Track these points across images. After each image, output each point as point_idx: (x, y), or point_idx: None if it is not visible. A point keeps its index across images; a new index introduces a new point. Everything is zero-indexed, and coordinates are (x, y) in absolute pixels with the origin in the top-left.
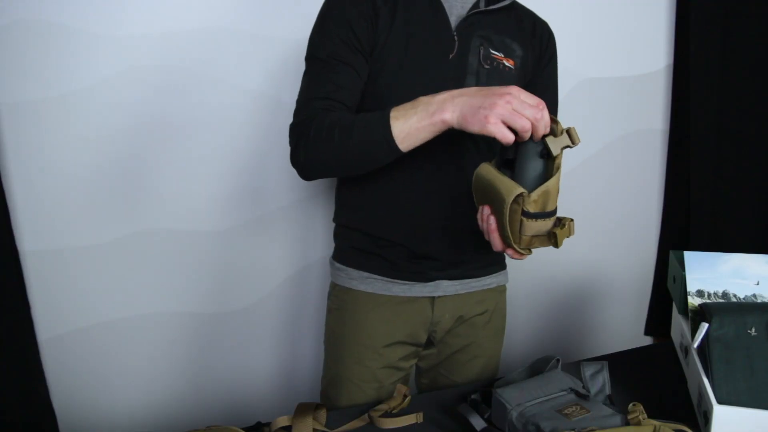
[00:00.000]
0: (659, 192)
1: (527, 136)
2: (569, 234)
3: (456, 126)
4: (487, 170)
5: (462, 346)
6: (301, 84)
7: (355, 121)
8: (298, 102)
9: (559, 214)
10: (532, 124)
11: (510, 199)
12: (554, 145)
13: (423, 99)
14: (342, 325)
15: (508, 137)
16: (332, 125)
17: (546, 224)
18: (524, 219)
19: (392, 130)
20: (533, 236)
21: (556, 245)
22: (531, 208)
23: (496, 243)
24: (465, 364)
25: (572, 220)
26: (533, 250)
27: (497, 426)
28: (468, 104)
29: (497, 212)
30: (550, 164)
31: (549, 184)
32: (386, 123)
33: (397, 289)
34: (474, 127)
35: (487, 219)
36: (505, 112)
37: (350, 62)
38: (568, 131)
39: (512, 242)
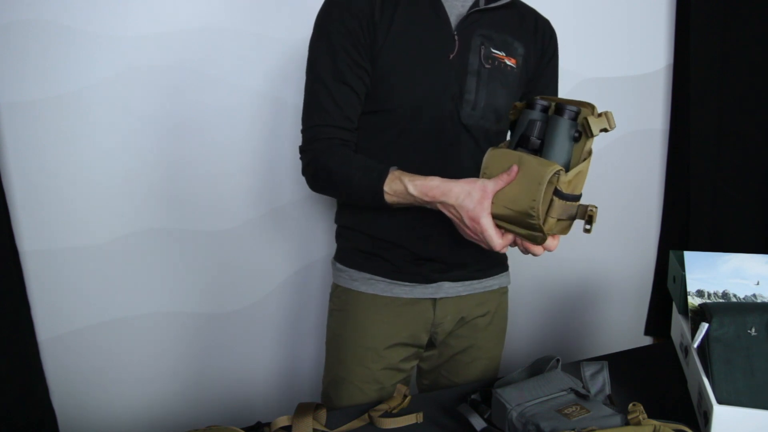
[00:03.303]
0: (659, 192)
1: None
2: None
3: None
4: (505, 151)
5: (463, 347)
6: (303, 96)
7: (353, 184)
8: (303, 122)
9: None
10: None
11: (548, 175)
12: (595, 125)
13: (413, 193)
14: (343, 327)
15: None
16: (333, 178)
17: (572, 207)
18: (555, 198)
19: (386, 201)
20: (558, 219)
21: (589, 231)
22: (564, 188)
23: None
24: (466, 365)
25: (596, 207)
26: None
27: (497, 426)
28: (454, 219)
29: (525, 190)
30: (578, 149)
31: (584, 165)
32: (381, 198)
33: (399, 291)
34: None
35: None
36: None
37: (349, 81)
38: (606, 114)
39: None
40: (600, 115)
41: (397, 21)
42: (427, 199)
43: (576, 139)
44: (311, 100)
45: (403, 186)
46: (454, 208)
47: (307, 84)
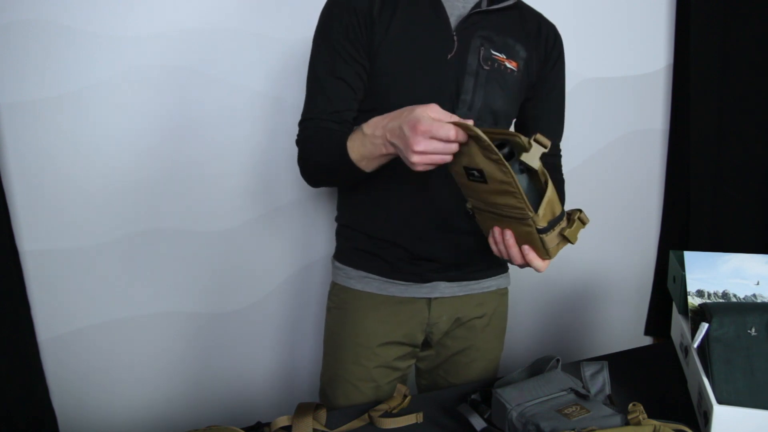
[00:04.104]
0: (659, 192)
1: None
2: (583, 225)
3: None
4: None
5: (461, 348)
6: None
7: (323, 152)
8: (301, 115)
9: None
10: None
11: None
12: (531, 159)
13: (367, 132)
14: (340, 324)
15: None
16: (314, 156)
17: (562, 225)
18: (542, 236)
19: (352, 159)
20: (558, 243)
21: (571, 242)
22: (543, 224)
23: (517, 257)
24: (465, 366)
25: (581, 210)
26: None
27: (497, 426)
28: (397, 143)
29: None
30: (533, 175)
31: (548, 195)
32: (345, 155)
33: (394, 290)
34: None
35: (502, 235)
36: (419, 161)
37: (344, 76)
38: (536, 139)
39: (543, 257)
40: (530, 144)
41: (397, 20)
42: (378, 133)
43: (525, 171)
44: (307, 95)
45: (360, 131)
46: (398, 128)
47: (307, 79)
